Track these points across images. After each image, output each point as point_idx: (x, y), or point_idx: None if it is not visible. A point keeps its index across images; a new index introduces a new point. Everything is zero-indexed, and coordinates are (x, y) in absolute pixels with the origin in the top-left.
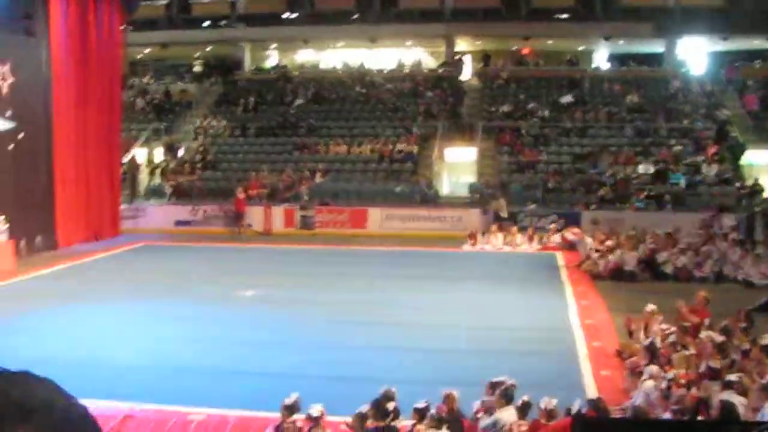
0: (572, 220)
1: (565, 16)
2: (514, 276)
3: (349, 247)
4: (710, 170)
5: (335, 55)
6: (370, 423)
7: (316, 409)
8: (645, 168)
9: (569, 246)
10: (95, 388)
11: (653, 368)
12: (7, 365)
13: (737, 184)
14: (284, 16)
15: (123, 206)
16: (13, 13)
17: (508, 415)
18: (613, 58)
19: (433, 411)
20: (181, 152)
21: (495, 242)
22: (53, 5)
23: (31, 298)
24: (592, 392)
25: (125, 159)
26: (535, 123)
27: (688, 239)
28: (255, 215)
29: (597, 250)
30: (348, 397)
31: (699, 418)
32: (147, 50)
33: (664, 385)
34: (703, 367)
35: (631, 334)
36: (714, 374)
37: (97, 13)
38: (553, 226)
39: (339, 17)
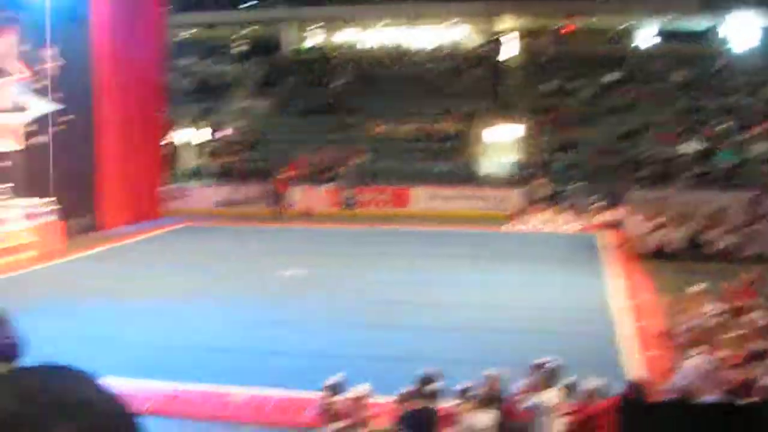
0: (616, 199)
1: None
2: (556, 256)
3: (390, 227)
4: (759, 148)
5: (375, 35)
6: (411, 403)
7: (360, 389)
8: (691, 146)
9: (612, 225)
10: (138, 368)
11: (700, 349)
12: (59, 346)
13: None
14: None
15: (165, 187)
16: None
17: (550, 396)
18: (660, 34)
19: (475, 392)
20: (223, 133)
21: (536, 222)
22: None
23: (78, 279)
24: (636, 373)
25: (167, 140)
26: (579, 101)
27: (735, 219)
28: (296, 195)
29: (642, 230)
30: (389, 377)
31: (744, 400)
32: (190, 31)
33: (711, 366)
34: (748, 350)
35: (676, 314)
36: (758, 356)
37: None
38: (595, 205)
39: None
